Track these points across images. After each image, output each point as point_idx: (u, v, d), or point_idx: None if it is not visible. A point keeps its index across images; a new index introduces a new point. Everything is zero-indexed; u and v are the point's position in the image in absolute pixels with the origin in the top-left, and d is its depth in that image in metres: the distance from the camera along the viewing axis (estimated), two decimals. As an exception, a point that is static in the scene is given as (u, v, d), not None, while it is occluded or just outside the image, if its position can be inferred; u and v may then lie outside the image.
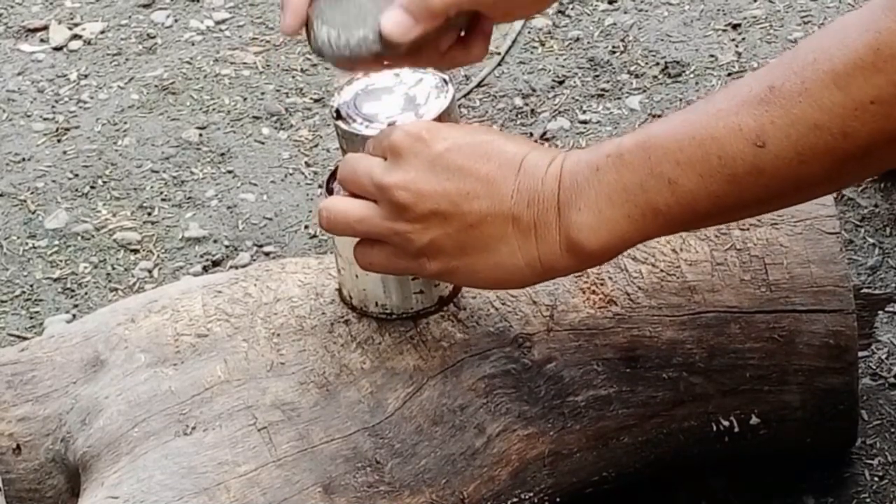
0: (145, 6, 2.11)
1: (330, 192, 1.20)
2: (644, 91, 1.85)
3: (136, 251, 1.72)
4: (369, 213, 1.10)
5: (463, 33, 1.14)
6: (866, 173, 1.01)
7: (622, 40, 1.93)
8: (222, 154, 1.85)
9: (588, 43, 1.93)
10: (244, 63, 2.00)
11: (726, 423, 1.28)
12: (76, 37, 2.07)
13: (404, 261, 1.10)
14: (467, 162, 1.07)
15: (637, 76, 1.88)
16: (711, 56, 1.89)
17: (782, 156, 0.98)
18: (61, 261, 1.72)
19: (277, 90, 1.94)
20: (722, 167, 0.99)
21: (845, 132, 0.96)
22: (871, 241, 1.61)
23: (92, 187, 1.81)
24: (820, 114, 0.96)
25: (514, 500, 1.24)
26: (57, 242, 1.74)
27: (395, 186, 1.07)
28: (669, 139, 1.01)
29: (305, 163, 1.82)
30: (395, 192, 1.07)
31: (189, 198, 1.79)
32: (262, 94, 1.94)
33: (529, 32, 1.96)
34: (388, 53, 1.12)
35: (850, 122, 0.95)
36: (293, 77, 1.96)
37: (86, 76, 2.00)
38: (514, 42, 1.95)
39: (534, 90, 1.87)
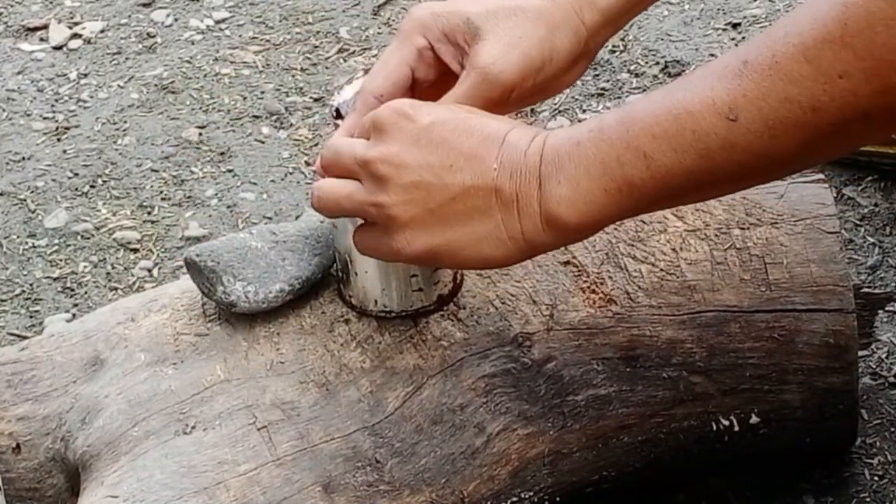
0: (145, 5, 2.11)
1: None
2: (644, 90, 1.85)
3: (135, 250, 1.72)
4: (354, 189, 1.10)
5: None
6: (837, 150, 1.01)
7: (622, 39, 1.93)
8: (222, 153, 1.85)
9: (588, 42, 1.93)
10: (244, 62, 2.00)
11: (726, 423, 1.28)
12: (76, 36, 2.07)
13: (385, 239, 1.10)
14: (451, 136, 1.08)
15: (637, 75, 1.88)
16: (711, 55, 1.89)
17: (753, 129, 0.98)
18: (61, 260, 1.72)
19: (277, 89, 1.94)
20: (696, 141, 1.00)
21: (814, 106, 0.96)
22: (871, 240, 1.61)
23: (92, 186, 1.81)
24: (790, 87, 0.96)
25: (514, 499, 1.24)
26: (57, 242, 1.74)
27: (377, 160, 1.08)
28: (648, 113, 1.02)
29: (305, 162, 1.82)
30: (377, 164, 1.08)
31: (189, 197, 1.79)
32: (262, 93, 1.94)
33: (529, 32, 1.96)
34: None
35: (818, 95, 0.95)
36: (293, 76, 1.96)
37: (86, 75, 2.00)
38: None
39: (534, 89, 1.87)
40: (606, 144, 1.03)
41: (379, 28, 2.03)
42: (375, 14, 2.07)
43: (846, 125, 0.96)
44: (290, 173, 1.81)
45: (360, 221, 1.17)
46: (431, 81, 1.19)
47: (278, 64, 1.98)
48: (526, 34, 1.16)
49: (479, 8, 1.17)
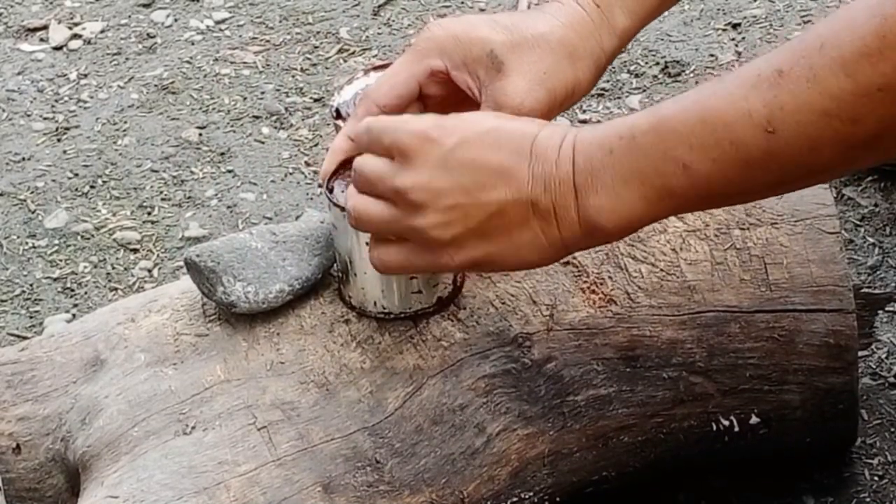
0: (145, 6, 2.11)
1: (331, 189, 1.21)
2: (644, 90, 1.85)
3: (135, 251, 1.72)
4: (391, 213, 1.10)
5: None
6: (878, 157, 1.01)
7: (622, 40, 1.93)
8: (222, 153, 1.85)
9: (588, 42, 1.93)
10: (244, 63, 2.00)
11: (726, 423, 1.28)
12: (76, 36, 2.07)
13: (428, 256, 1.10)
14: (479, 154, 1.08)
15: (637, 75, 1.88)
16: (711, 55, 1.89)
17: (792, 142, 0.98)
18: (61, 260, 1.72)
19: (277, 90, 1.94)
20: (735, 152, 1.00)
21: (854, 119, 0.96)
22: (871, 240, 1.61)
23: (92, 187, 1.81)
24: (828, 101, 0.96)
25: (514, 499, 1.24)
26: (57, 242, 1.74)
27: (410, 189, 1.08)
28: (681, 123, 1.02)
29: (305, 162, 1.82)
30: (411, 194, 1.08)
31: (189, 197, 1.79)
32: (262, 93, 1.94)
33: (529, 32, 1.96)
34: None
35: (858, 108, 0.96)
36: (293, 77, 1.96)
37: (86, 76, 2.00)
38: (514, 42, 1.94)
39: (534, 90, 1.87)
40: (641, 153, 1.03)
41: (379, 28, 2.03)
42: (375, 14, 2.07)
43: (887, 134, 0.97)
44: (290, 174, 1.81)
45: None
46: (439, 98, 1.19)
47: (278, 64, 1.98)
48: (550, 69, 1.16)
49: (502, 38, 1.16)
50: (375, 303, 1.23)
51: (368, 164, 1.11)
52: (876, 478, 1.37)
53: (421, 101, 1.20)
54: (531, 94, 1.15)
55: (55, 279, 1.70)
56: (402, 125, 1.10)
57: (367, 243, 1.19)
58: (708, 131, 1.01)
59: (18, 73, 2.01)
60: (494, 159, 1.07)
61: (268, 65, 1.98)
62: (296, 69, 1.97)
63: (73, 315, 1.64)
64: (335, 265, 1.25)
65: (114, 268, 1.70)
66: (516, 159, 1.07)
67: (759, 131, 0.99)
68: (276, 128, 1.88)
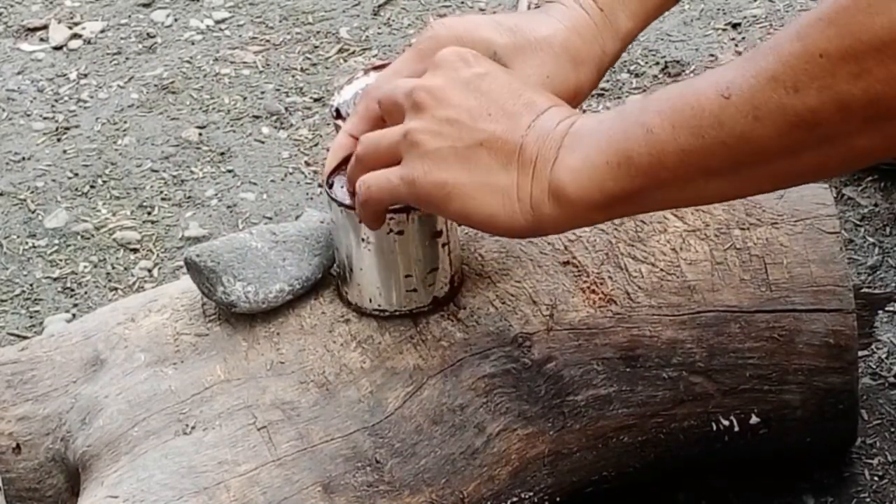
0: (145, 5, 2.11)
1: (330, 186, 1.21)
2: (644, 90, 1.85)
3: (135, 250, 1.72)
4: (387, 132, 1.11)
5: None
6: (825, 156, 0.98)
7: (622, 40, 1.93)
8: (222, 153, 1.85)
9: (588, 42, 1.93)
10: (244, 62, 2.00)
11: (726, 423, 1.28)
12: (76, 36, 2.07)
13: (404, 168, 1.10)
14: (498, 90, 1.09)
15: (637, 75, 1.88)
16: (711, 55, 1.89)
17: (740, 107, 0.97)
18: (61, 260, 1.72)
19: (277, 90, 1.94)
20: (691, 118, 0.99)
21: (795, 86, 0.94)
22: (871, 240, 1.61)
23: (92, 187, 1.81)
24: (778, 65, 0.95)
25: (514, 499, 1.24)
26: (57, 242, 1.74)
27: (422, 87, 1.09)
28: (665, 91, 1.02)
29: (305, 162, 1.82)
30: (420, 92, 1.09)
31: (189, 197, 1.79)
32: (262, 93, 1.94)
33: (529, 32, 1.96)
34: None
35: (800, 74, 0.94)
36: (293, 76, 1.96)
37: (85, 75, 2.00)
38: (514, 41, 1.94)
39: (534, 90, 1.87)
40: (620, 119, 1.04)
41: (379, 28, 2.03)
42: (375, 14, 2.07)
43: (827, 118, 0.95)
44: (290, 173, 1.81)
45: (363, 227, 1.17)
46: None
47: (278, 64, 1.98)
48: (553, 73, 1.16)
49: (506, 40, 1.17)
50: (371, 300, 1.23)
51: (380, 132, 1.13)
52: (876, 478, 1.37)
53: None
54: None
55: (55, 279, 1.70)
56: (450, 47, 1.13)
57: (363, 239, 1.19)
58: (677, 97, 1.00)
59: (18, 73, 2.01)
60: (509, 100, 1.08)
61: (268, 65, 1.98)
62: (296, 69, 1.97)
63: (73, 315, 1.64)
64: (335, 264, 1.25)
65: (114, 268, 1.70)
66: (527, 109, 1.08)
67: (717, 96, 0.97)
68: (276, 128, 1.88)
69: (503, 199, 1.07)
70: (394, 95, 1.13)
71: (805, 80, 0.94)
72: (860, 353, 1.33)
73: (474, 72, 1.10)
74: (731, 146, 0.98)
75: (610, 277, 1.26)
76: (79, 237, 1.75)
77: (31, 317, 1.66)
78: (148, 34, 2.06)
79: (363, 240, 1.19)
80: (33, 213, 1.78)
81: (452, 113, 1.08)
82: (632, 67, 1.89)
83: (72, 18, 2.10)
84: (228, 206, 1.77)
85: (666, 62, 1.89)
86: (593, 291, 1.25)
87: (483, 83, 1.09)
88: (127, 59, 2.02)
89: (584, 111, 1.10)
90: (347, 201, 1.18)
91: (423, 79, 1.11)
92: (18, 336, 1.62)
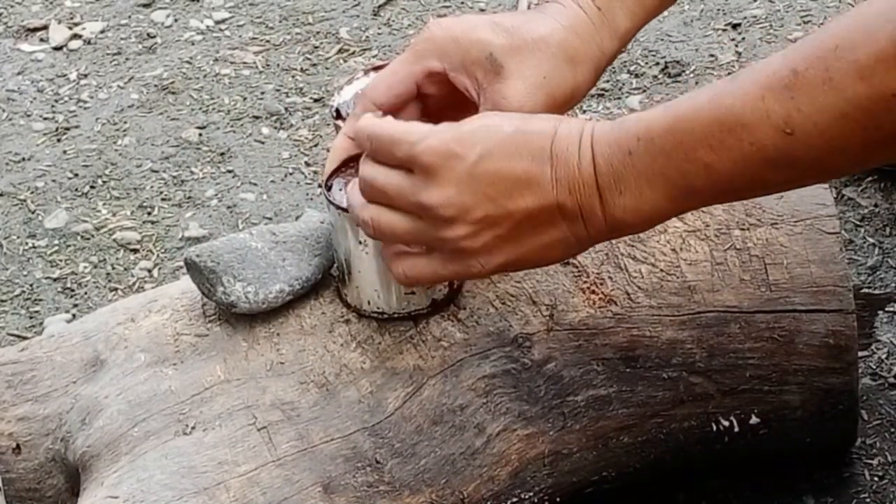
0: (145, 6, 2.11)
1: (329, 188, 1.21)
2: (644, 91, 1.85)
3: (135, 251, 1.72)
4: (418, 228, 1.10)
5: None
6: (894, 155, 1.02)
7: (622, 40, 1.93)
8: (222, 154, 1.85)
9: (588, 43, 1.93)
10: (244, 63, 2.00)
11: (726, 423, 1.28)
12: (76, 36, 2.07)
13: (457, 265, 1.11)
14: (503, 164, 1.08)
15: (637, 76, 1.88)
16: (711, 56, 1.89)
17: (811, 143, 0.99)
18: (61, 260, 1.72)
19: (277, 90, 1.94)
20: (755, 153, 1.01)
21: (872, 123, 0.97)
22: (871, 241, 1.61)
23: (92, 187, 1.81)
24: (845, 105, 0.97)
25: (514, 499, 1.24)
26: (57, 242, 1.74)
27: (438, 205, 1.08)
28: (698, 123, 1.03)
29: (305, 162, 1.82)
30: (440, 210, 1.08)
31: (189, 197, 1.79)
32: (262, 93, 1.94)
33: (529, 32, 1.96)
34: None
35: (875, 113, 0.96)
36: (293, 77, 1.96)
37: (86, 76, 2.00)
38: (514, 42, 1.94)
39: (534, 90, 1.87)
40: (661, 155, 1.04)
41: (379, 28, 2.03)
42: (375, 14, 2.07)
43: None
44: (290, 174, 1.81)
45: (360, 230, 1.16)
46: (437, 98, 1.19)
47: (278, 64, 1.98)
48: (550, 73, 1.16)
49: (502, 41, 1.16)
50: (370, 303, 1.23)
51: (381, 176, 1.11)
52: (876, 478, 1.37)
53: (419, 100, 1.20)
54: (530, 98, 1.15)
55: (55, 279, 1.70)
56: (418, 138, 1.09)
57: (360, 242, 1.19)
58: (726, 132, 1.01)
59: (18, 73, 2.01)
60: (518, 167, 1.07)
61: (268, 65, 1.98)
62: (296, 69, 1.97)
63: (73, 315, 1.64)
64: (335, 265, 1.25)
65: (114, 268, 1.70)
66: (539, 165, 1.07)
67: (778, 132, 0.99)
68: (276, 128, 1.88)
69: (562, 248, 1.10)
70: (401, 206, 1.10)
71: (881, 116, 0.97)
72: (860, 354, 1.33)
73: (469, 162, 1.07)
74: (805, 170, 1.02)
75: (610, 278, 1.26)
76: (79, 237, 1.75)
77: (31, 317, 1.66)
78: (148, 34, 2.06)
79: (361, 243, 1.19)
80: (33, 213, 1.78)
81: (479, 212, 1.08)
82: (632, 68, 1.89)
83: (72, 19, 2.10)
84: (228, 207, 1.77)
85: (666, 62, 1.89)
86: (593, 292, 1.25)
87: (485, 167, 1.08)
88: (127, 59, 2.02)
89: (584, 111, 1.10)
90: (346, 204, 1.18)
91: (427, 191, 1.08)
92: (18, 336, 1.62)
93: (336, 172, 1.20)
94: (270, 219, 1.74)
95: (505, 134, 1.09)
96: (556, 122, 1.09)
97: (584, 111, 1.82)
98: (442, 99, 1.19)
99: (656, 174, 1.04)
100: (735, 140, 1.01)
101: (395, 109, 1.18)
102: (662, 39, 1.93)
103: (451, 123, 1.11)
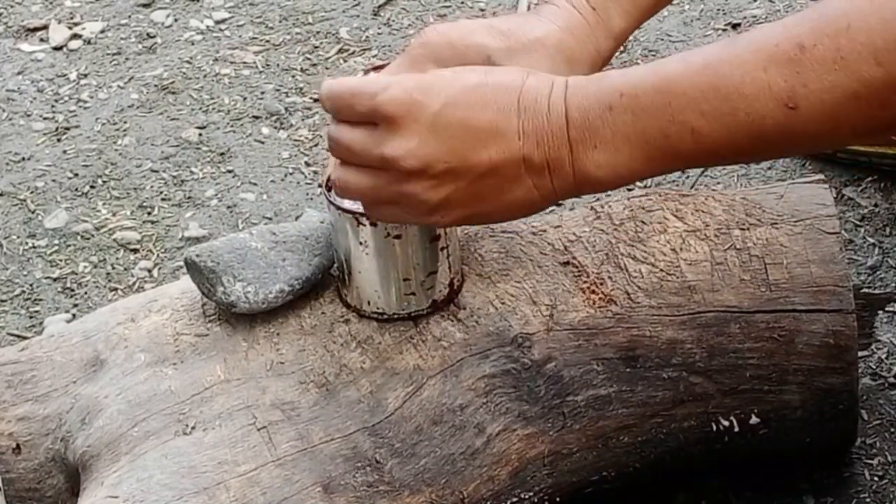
0: (145, 6, 2.11)
1: (329, 189, 1.21)
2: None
3: (135, 251, 1.72)
4: (379, 182, 1.09)
5: None
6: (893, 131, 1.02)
7: (622, 40, 1.93)
8: (222, 153, 1.85)
9: (588, 42, 1.93)
10: (244, 63, 2.00)
11: (726, 423, 1.28)
12: (76, 36, 2.07)
13: (419, 216, 1.10)
14: (467, 114, 1.06)
15: (637, 76, 1.88)
16: (711, 56, 1.89)
17: (815, 118, 0.99)
18: (61, 260, 1.72)
19: (277, 90, 1.94)
20: (750, 123, 1.00)
21: (883, 104, 0.97)
22: (871, 240, 1.61)
23: (92, 187, 1.81)
24: (858, 85, 0.97)
25: (514, 499, 1.24)
26: (57, 242, 1.74)
27: (400, 157, 1.07)
28: (691, 87, 1.02)
29: (305, 162, 1.82)
30: (401, 162, 1.07)
31: (189, 197, 1.79)
32: (262, 93, 1.94)
33: (529, 32, 1.96)
34: None
35: (888, 95, 0.96)
36: (293, 77, 1.96)
37: (85, 76, 2.00)
38: (513, 42, 1.94)
39: (534, 90, 1.87)
40: (646, 114, 1.03)
41: (379, 28, 2.04)
42: (375, 14, 2.07)
43: None
44: (290, 174, 1.81)
45: (361, 231, 1.17)
46: None
47: (278, 64, 1.98)
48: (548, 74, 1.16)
49: (499, 44, 1.16)
50: (370, 303, 1.23)
51: (345, 134, 1.09)
52: (876, 478, 1.37)
53: None
54: None
55: (55, 279, 1.70)
56: (380, 90, 1.08)
57: (361, 243, 1.19)
58: (721, 99, 1.00)
59: (18, 73, 2.01)
60: (483, 118, 1.06)
61: (268, 65, 1.98)
62: (296, 69, 1.97)
63: (73, 315, 1.64)
64: (335, 265, 1.25)
65: (114, 268, 1.70)
66: (505, 116, 1.06)
67: (779, 106, 0.99)
68: (276, 128, 1.88)
69: (524, 202, 1.08)
70: (365, 160, 1.09)
71: (894, 98, 0.96)
72: (860, 354, 1.33)
73: (432, 110, 1.06)
74: (800, 143, 1.02)
75: (610, 278, 1.26)
76: (79, 237, 1.75)
77: (31, 317, 1.66)
78: (148, 34, 2.06)
79: (362, 243, 1.19)
80: (33, 213, 1.78)
81: (442, 165, 1.06)
82: (632, 67, 1.89)
83: (72, 18, 2.10)
84: (228, 207, 1.77)
85: (666, 62, 1.89)
86: (593, 292, 1.25)
87: (448, 116, 1.06)
88: (127, 59, 2.02)
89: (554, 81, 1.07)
90: (346, 205, 1.18)
91: (390, 142, 1.07)
92: (18, 336, 1.62)
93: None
94: (270, 219, 1.74)
95: (470, 83, 1.07)
96: (524, 74, 1.08)
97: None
98: None
99: (637, 132, 1.03)
100: (730, 108, 1.00)
101: None
102: (662, 39, 1.93)
103: (413, 74, 1.10)
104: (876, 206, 1.66)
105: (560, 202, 1.10)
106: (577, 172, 1.05)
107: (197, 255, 1.24)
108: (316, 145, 1.85)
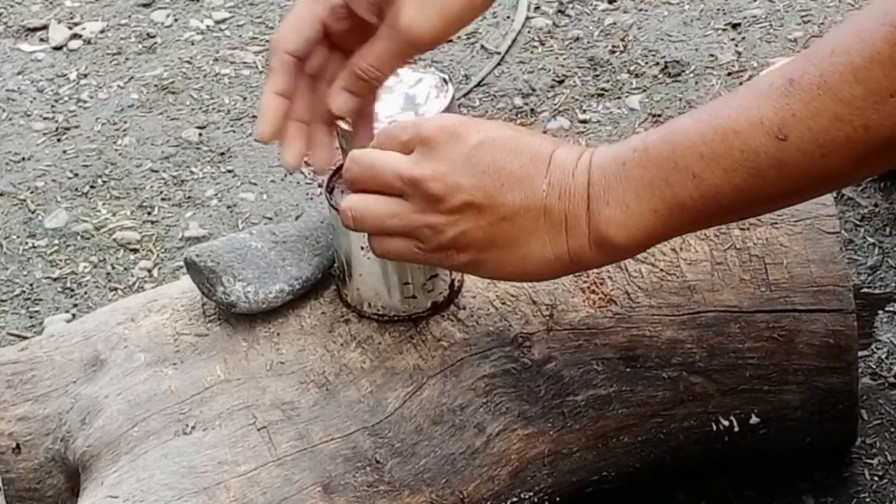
0: (145, 5, 2.11)
1: (330, 191, 1.21)
2: (644, 90, 1.85)
3: (135, 251, 1.72)
4: (399, 209, 1.09)
5: None
6: (889, 164, 1.01)
7: (622, 40, 1.93)
8: (222, 153, 1.85)
9: (588, 42, 1.93)
10: (244, 62, 2.00)
11: (726, 423, 1.28)
12: (76, 36, 2.07)
13: (431, 253, 1.10)
14: (500, 156, 1.07)
15: (637, 76, 1.88)
16: (711, 55, 1.89)
17: (804, 148, 0.98)
18: (61, 260, 1.72)
19: (277, 90, 1.93)
20: (744, 161, 1.00)
21: (866, 125, 0.96)
22: (871, 240, 1.61)
23: (92, 187, 1.81)
24: (840, 106, 0.96)
25: (514, 499, 1.24)
26: (57, 242, 1.74)
27: (430, 178, 1.07)
28: (693, 132, 1.02)
29: (305, 162, 1.82)
30: (429, 183, 1.07)
31: (189, 197, 1.79)
32: (262, 93, 1.93)
33: (529, 32, 1.96)
34: None
35: (870, 114, 0.96)
36: (293, 76, 1.95)
37: (85, 76, 2.00)
38: (513, 41, 1.95)
39: (533, 90, 1.87)
40: (652, 164, 1.03)
41: (379, 28, 2.03)
42: (375, 14, 2.06)
43: None
44: (290, 174, 1.81)
45: (361, 234, 1.16)
46: (343, 32, 1.18)
47: (278, 64, 1.98)
48: None
49: None
50: (370, 305, 1.23)
51: (373, 154, 1.10)
52: (876, 478, 1.37)
53: (327, 39, 1.18)
54: (422, 16, 1.13)
55: (55, 279, 1.70)
56: (422, 120, 1.10)
57: (362, 247, 1.19)
58: (718, 140, 1.01)
59: (18, 73, 2.01)
60: (515, 163, 1.07)
61: (268, 64, 1.98)
62: (296, 69, 1.97)
63: (73, 315, 1.64)
64: (335, 265, 1.25)
65: (114, 268, 1.70)
66: (534, 166, 1.07)
67: (770, 139, 0.99)
68: (276, 128, 1.88)
69: (536, 259, 1.08)
70: (387, 181, 1.09)
71: (877, 118, 0.96)
72: (860, 353, 1.33)
73: (470, 144, 1.07)
74: (796, 180, 1.01)
75: (610, 277, 1.26)
76: (79, 237, 1.75)
77: (31, 317, 1.66)
78: (148, 34, 2.06)
79: (362, 248, 1.19)
80: (33, 213, 1.78)
81: (467, 197, 1.06)
82: (632, 67, 1.89)
83: (72, 18, 2.10)
84: (228, 206, 1.77)
85: (666, 62, 1.89)
86: (593, 291, 1.25)
87: (483, 153, 1.07)
88: (127, 59, 2.02)
89: (584, 111, 1.09)
90: None
91: (421, 164, 1.07)
92: (18, 336, 1.62)
93: (337, 175, 1.21)
94: (270, 219, 1.74)
95: (508, 132, 1.09)
96: (557, 141, 1.09)
97: (584, 111, 1.83)
98: (349, 33, 1.18)
99: (644, 185, 1.03)
100: (725, 147, 1.00)
101: (306, 53, 1.17)
102: (662, 39, 1.93)
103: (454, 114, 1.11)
104: (876, 206, 1.66)
105: (577, 271, 1.10)
106: (591, 230, 1.06)
107: (197, 255, 1.24)
108: (316, 145, 1.84)
